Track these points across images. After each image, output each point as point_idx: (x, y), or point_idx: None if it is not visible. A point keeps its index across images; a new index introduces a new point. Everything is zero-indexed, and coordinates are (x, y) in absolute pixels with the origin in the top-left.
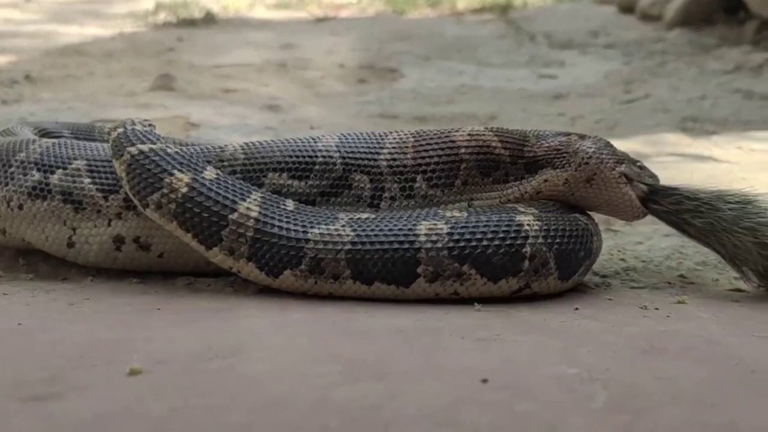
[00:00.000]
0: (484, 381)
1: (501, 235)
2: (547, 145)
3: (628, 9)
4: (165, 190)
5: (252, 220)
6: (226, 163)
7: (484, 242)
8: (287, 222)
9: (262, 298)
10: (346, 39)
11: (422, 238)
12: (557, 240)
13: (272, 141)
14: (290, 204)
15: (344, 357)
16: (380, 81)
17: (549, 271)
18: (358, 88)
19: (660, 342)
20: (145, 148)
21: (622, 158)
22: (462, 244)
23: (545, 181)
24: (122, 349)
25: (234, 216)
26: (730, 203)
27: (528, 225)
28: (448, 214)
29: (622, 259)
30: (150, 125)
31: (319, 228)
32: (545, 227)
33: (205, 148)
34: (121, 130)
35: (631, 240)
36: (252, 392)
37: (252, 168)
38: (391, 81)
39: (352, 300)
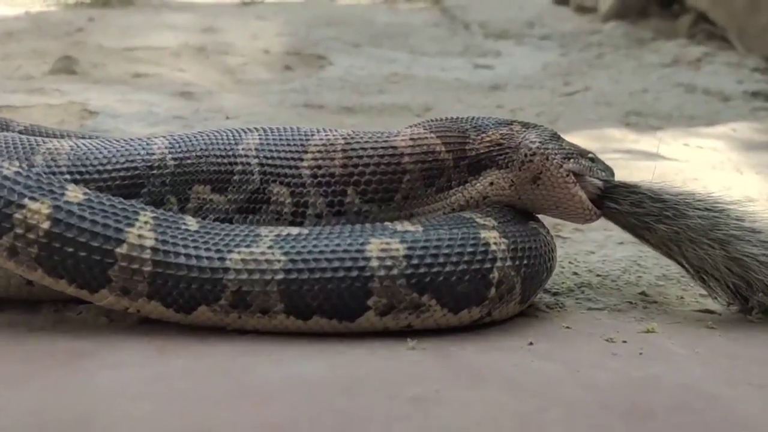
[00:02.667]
0: None
1: (467, 258)
2: (488, 138)
3: (562, 0)
4: (18, 230)
5: (148, 251)
6: (155, 172)
7: (448, 267)
8: (195, 247)
9: (141, 332)
10: (272, 23)
11: (374, 263)
12: (525, 262)
13: (196, 137)
14: (192, 222)
15: None
16: (307, 68)
17: (513, 296)
18: (283, 76)
19: (642, 398)
20: None
21: (570, 152)
22: (423, 269)
23: (491, 184)
24: None
25: (122, 249)
26: (699, 210)
27: (495, 244)
28: (400, 228)
29: (575, 273)
30: None
31: (239, 252)
32: (512, 246)
33: (124, 146)
34: None
35: (582, 249)
36: None
37: (181, 180)
38: (319, 68)
39: (257, 334)
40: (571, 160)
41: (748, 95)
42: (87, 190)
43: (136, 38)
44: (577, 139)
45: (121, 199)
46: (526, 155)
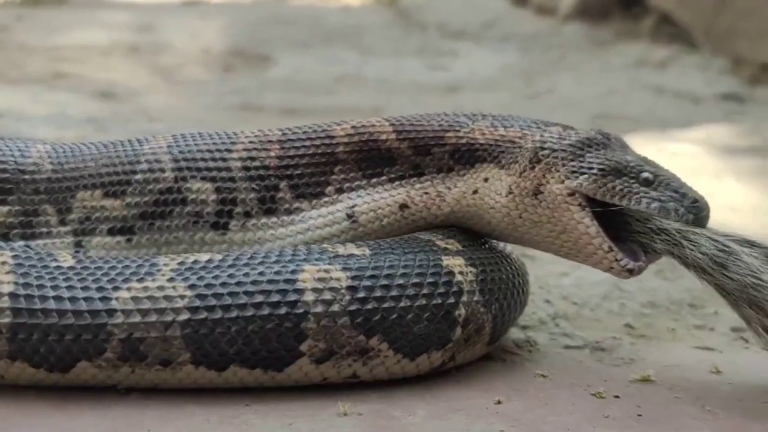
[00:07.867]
0: None
1: (426, 291)
2: (498, 133)
3: (520, 1)
4: None
5: (6, 299)
6: (27, 177)
7: (404, 302)
8: (69, 287)
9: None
10: (215, 23)
11: (309, 297)
12: (496, 295)
13: (90, 144)
14: (65, 258)
15: None
16: (249, 69)
17: (482, 337)
18: (222, 76)
19: None
20: None
21: (601, 166)
22: (371, 305)
23: (485, 180)
24: None
25: None
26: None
27: (461, 274)
28: (342, 251)
29: (547, 301)
30: None
31: (129, 288)
32: (482, 277)
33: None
34: None
35: (553, 270)
36: None
37: (60, 186)
38: (263, 69)
39: (146, 393)
40: (584, 177)
41: (719, 98)
42: None
43: (63, 37)
44: None
45: None
46: (532, 156)
